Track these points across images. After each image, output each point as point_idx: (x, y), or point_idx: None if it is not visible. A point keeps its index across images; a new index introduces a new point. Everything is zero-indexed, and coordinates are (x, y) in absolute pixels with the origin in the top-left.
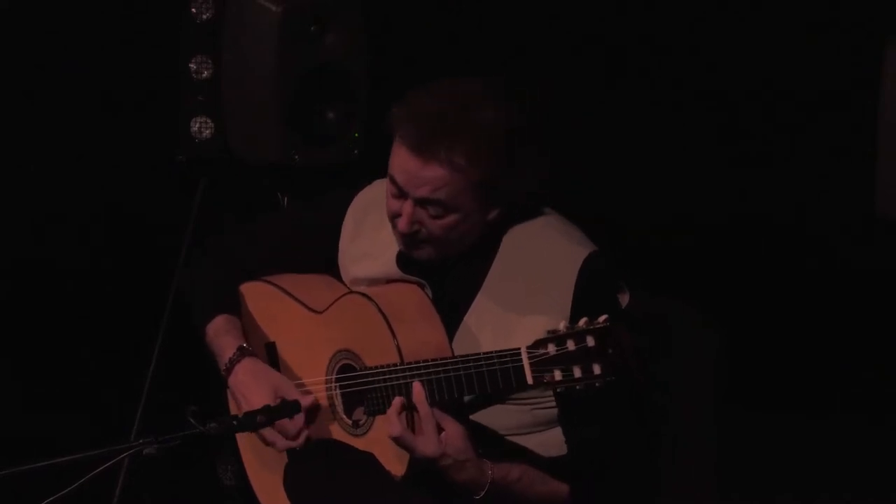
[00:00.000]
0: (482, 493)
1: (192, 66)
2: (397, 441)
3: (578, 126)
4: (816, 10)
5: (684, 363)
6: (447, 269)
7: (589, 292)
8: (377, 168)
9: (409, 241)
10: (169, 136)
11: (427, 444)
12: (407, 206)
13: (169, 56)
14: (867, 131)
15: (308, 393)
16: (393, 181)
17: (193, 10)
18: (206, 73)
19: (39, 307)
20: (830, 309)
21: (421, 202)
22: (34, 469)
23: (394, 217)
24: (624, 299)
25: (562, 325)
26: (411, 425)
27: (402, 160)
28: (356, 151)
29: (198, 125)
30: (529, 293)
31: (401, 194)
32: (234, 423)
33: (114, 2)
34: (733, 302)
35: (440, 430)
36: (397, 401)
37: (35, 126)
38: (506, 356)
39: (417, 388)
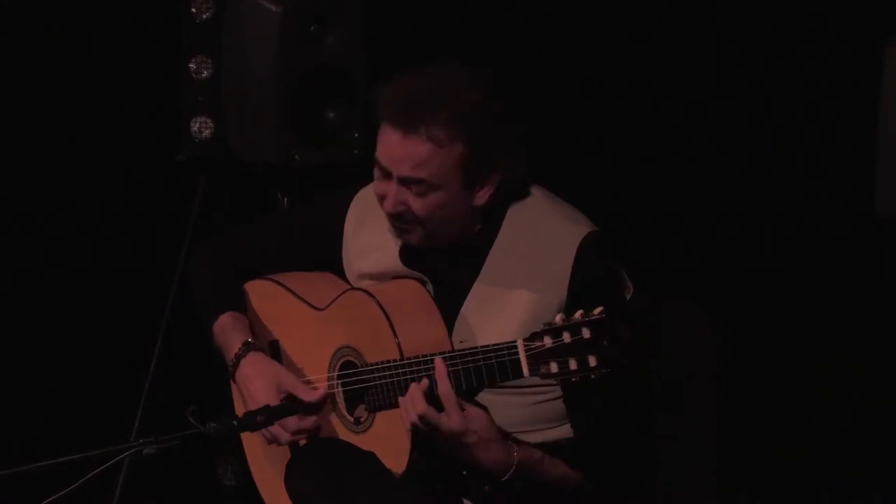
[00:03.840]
0: (509, 474)
1: (192, 66)
2: (422, 419)
3: (580, 125)
4: (816, 10)
5: (685, 363)
6: (449, 258)
7: (587, 269)
8: None
9: (398, 223)
10: (169, 136)
11: (451, 421)
12: (391, 186)
13: (169, 56)
14: (867, 131)
15: (314, 388)
16: (377, 163)
17: (193, 10)
18: (206, 73)
19: (39, 307)
20: (830, 309)
21: (404, 181)
22: (34, 469)
23: (381, 199)
24: (627, 293)
25: (558, 318)
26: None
27: (384, 137)
28: (356, 151)
29: (198, 125)
30: (528, 272)
31: (384, 175)
32: (234, 423)
33: (114, 2)
34: (733, 302)
35: (461, 408)
36: (413, 385)
37: (35, 126)
38: (502, 350)
39: (440, 366)
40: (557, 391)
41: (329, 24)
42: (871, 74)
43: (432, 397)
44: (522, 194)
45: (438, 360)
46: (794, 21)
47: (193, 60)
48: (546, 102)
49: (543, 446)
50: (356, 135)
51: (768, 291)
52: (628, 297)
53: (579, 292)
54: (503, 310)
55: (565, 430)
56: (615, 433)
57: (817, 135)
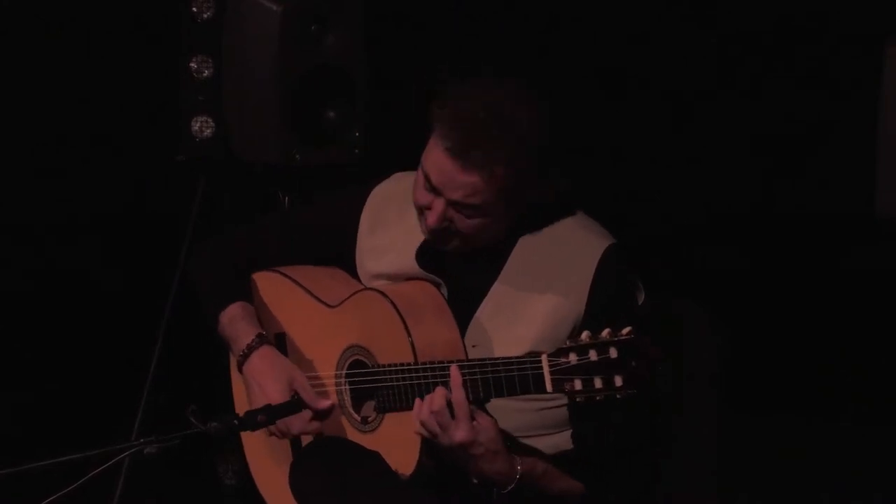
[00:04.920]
0: (511, 487)
1: (192, 65)
2: (435, 415)
3: (579, 125)
4: (816, 10)
5: (686, 363)
6: (466, 261)
7: (608, 281)
8: (377, 168)
9: (438, 235)
10: (169, 136)
11: (460, 430)
12: (439, 205)
13: (169, 56)
14: (867, 131)
15: (324, 392)
16: (427, 178)
17: (193, 9)
18: (206, 73)
19: (39, 307)
20: (830, 309)
21: (454, 203)
22: (34, 469)
23: (423, 209)
24: (639, 299)
25: (584, 335)
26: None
27: (439, 161)
28: (356, 151)
29: (199, 124)
30: (547, 280)
31: (433, 191)
32: (235, 422)
33: (114, 2)
34: (733, 302)
35: (472, 418)
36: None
37: (35, 126)
38: (526, 363)
39: (455, 374)
40: (563, 398)
41: (329, 24)
42: (871, 74)
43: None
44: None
45: (454, 368)
46: (794, 21)
47: (194, 60)
48: (545, 102)
49: (546, 457)
50: (356, 134)
51: (768, 291)
52: (640, 303)
53: (599, 304)
54: (520, 316)
55: (569, 436)
56: (629, 447)
57: (817, 135)
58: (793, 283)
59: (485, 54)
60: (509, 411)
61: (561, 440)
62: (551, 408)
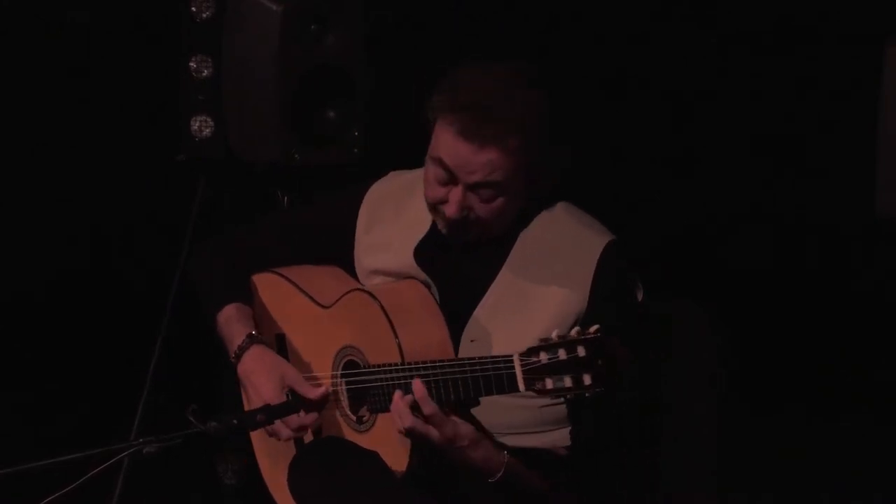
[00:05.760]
0: (499, 475)
1: (192, 65)
2: (410, 432)
3: (578, 125)
4: (816, 10)
5: (686, 363)
6: (466, 256)
7: (608, 277)
8: (377, 168)
9: (457, 226)
10: (169, 136)
11: (442, 432)
12: (456, 193)
13: (169, 56)
14: (867, 131)
15: (318, 383)
16: (442, 166)
17: (193, 9)
18: (206, 73)
19: (39, 307)
20: (831, 309)
21: (473, 187)
22: (34, 469)
23: (439, 203)
24: (639, 296)
25: (554, 334)
26: (420, 418)
27: (453, 146)
28: (356, 151)
29: (198, 124)
30: (547, 278)
31: (450, 180)
32: (235, 422)
33: (114, 1)
34: (733, 302)
35: (448, 416)
36: (397, 395)
37: (35, 126)
38: (499, 362)
39: (417, 385)
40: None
41: (329, 24)
42: (871, 74)
43: (418, 408)
44: (551, 200)
45: (416, 382)
46: (794, 21)
47: (193, 60)
48: (548, 80)
49: (535, 452)
50: (356, 134)
51: (768, 291)
52: (639, 300)
53: (601, 300)
54: (521, 312)
55: (567, 433)
56: (597, 447)
57: (817, 135)
58: (792, 283)
59: (484, 54)
60: (510, 408)
61: (559, 437)
62: (550, 405)
